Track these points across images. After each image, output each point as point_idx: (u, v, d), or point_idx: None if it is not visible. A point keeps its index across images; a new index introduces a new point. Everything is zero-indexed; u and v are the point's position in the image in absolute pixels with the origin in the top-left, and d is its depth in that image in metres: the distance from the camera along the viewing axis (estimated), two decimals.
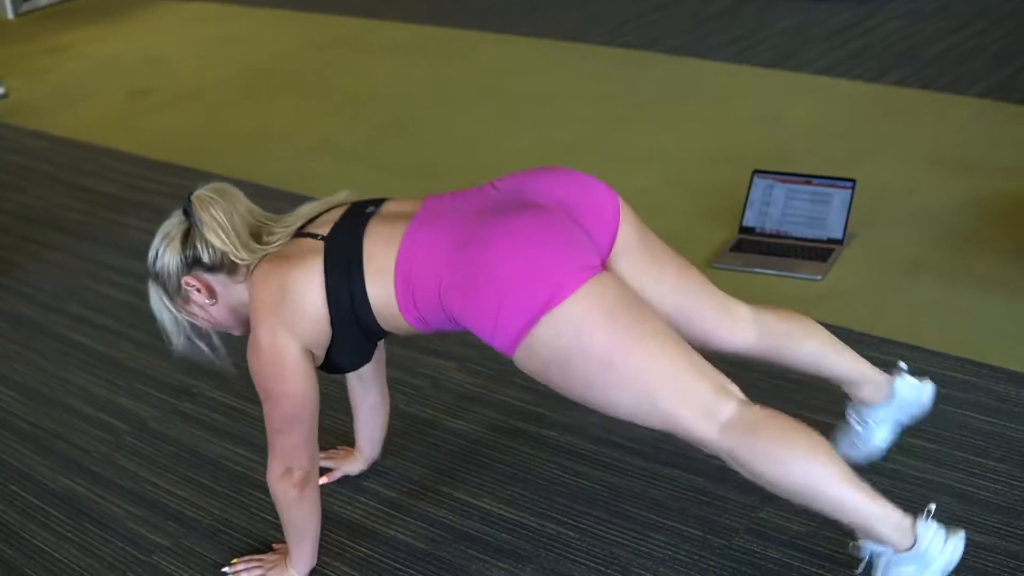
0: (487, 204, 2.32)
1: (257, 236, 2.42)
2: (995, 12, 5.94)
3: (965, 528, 2.45)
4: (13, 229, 4.69)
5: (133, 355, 3.61)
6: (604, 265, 2.34)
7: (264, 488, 2.87)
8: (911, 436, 2.81)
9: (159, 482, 2.99)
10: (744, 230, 3.90)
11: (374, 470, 2.92)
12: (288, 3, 7.94)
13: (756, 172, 3.97)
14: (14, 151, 5.64)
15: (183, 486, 2.97)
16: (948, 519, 2.52)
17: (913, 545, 2.16)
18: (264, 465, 2.92)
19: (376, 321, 2.35)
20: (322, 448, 2.86)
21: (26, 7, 8.45)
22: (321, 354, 2.41)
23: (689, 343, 2.35)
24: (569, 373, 2.19)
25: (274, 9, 7.86)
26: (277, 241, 2.42)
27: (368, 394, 2.81)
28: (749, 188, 3.94)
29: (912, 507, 2.56)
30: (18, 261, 4.37)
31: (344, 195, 2.52)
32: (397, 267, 2.28)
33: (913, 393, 2.60)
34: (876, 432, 2.64)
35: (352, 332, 2.38)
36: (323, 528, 2.61)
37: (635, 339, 2.17)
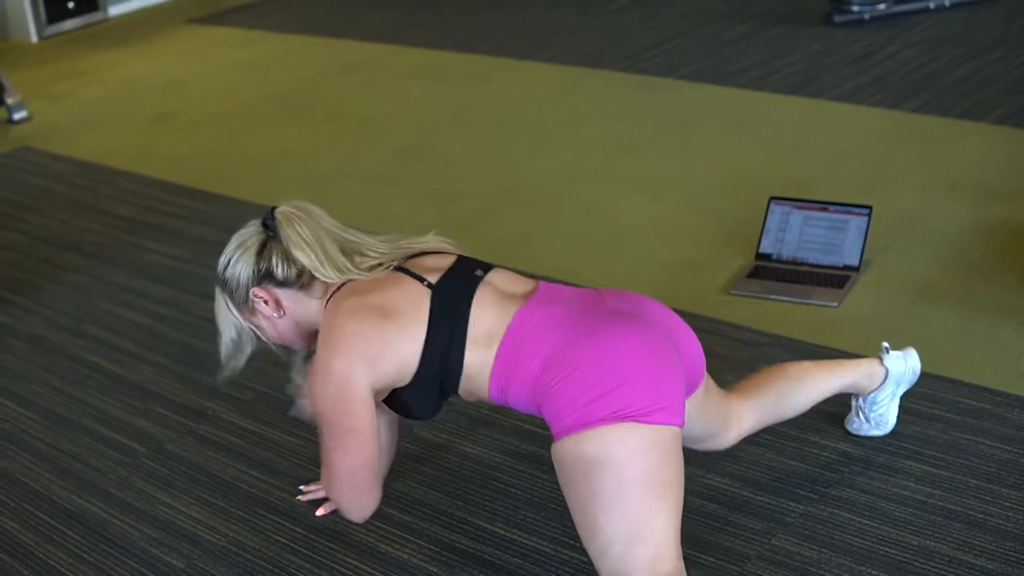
0: (603, 304, 2.38)
1: (348, 254, 2.44)
2: (1015, 39, 5.95)
3: (976, 555, 2.46)
4: (32, 251, 4.72)
5: (150, 377, 3.62)
6: None
7: (279, 510, 2.90)
8: (924, 463, 2.82)
9: (175, 504, 3.01)
10: (761, 256, 3.91)
11: (387, 493, 2.91)
12: (308, 29, 7.99)
13: (773, 199, 3.97)
14: (35, 174, 5.68)
15: (198, 508, 2.98)
16: (960, 546, 2.53)
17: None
18: (278, 486, 2.97)
19: (458, 383, 2.38)
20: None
21: (50, 31, 8.52)
22: (383, 395, 2.42)
23: (704, 447, 2.70)
24: (588, 477, 2.23)
25: (294, 35, 7.90)
26: (372, 266, 2.43)
27: (381, 432, 2.78)
28: (766, 215, 3.94)
29: (925, 534, 2.57)
30: (37, 283, 4.40)
31: (433, 237, 2.54)
32: (505, 339, 2.32)
33: (903, 365, 2.88)
34: (888, 414, 2.92)
35: (432, 386, 2.39)
36: (335, 549, 2.63)
37: (659, 497, 2.23)
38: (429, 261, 2.45)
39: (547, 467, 2.95)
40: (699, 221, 4.29)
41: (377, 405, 2.41)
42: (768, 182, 4.42)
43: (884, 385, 2.87)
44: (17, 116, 6.56)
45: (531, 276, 2.54)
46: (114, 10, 8.98)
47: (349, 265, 2.41)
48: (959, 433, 2.92)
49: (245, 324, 2.53)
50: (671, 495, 2.25)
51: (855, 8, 6.50)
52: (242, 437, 3.26)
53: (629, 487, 2.20)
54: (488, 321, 2.33)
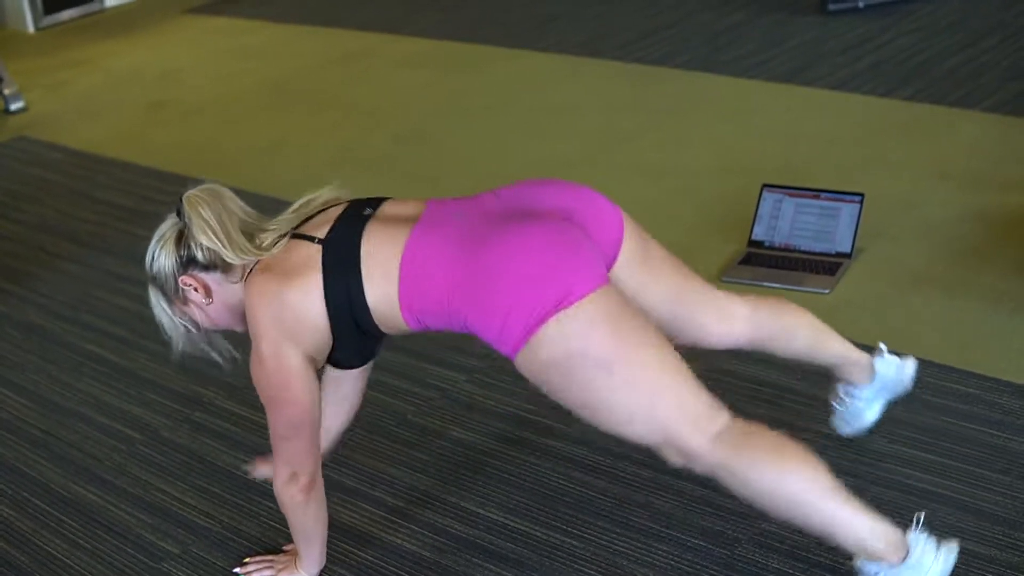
0: (493, 210, 2.38)
1: (250, 236, 2.45)
2: (1009, 27, 5.95)
3: (965, 539, 2.48)
4: (28, 240, 4.74)
5: (145, 365, 3.65)
6: (608, 272, 2.38)
7: (273, 497, 2.90)
8: (914, 448, 2.83)
9: (170, 490, 3.03)
10: (753, 244, 3.92)
11: (381, 479, 2.95)
12: (306, 18, 7.99)
13: (765, 186, 3.99)
14: (32, 163, 5.70)
15: (193, 494, 3.01)
16: (949, 530, 2.55)
17: (906, 556, 2.20)
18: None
19: (374, 322, 2.39)
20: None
21: (47, 21, 8.53)
22: (323, 359, 2.46)
23: (687, 338, 2.53)
24: (569, 376, 2.23)
25: (292, 24, 7.91)
26: (270, 241, 2.44)
27: (341, 383, 2.77)
28: (758, 202, 3.96)
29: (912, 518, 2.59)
30: (32, 271, 4.42)
31: (328, 191, 2.55)
32: (402, 269, 2.32)
33: (893, 371, 2.80)
34: (865, 410, 2.85)
35: (352, 335, 2.41)
36: (329, 535, 2.65)
37: (637, 347, 2.23)
38: (320, 218, 2.46)
39: (540, 453, 2.99)
40: (692, 208, 4.31)
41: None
42: (761, 169, 4.44)
43: (870, 384, 2.81)
44: (14, 106, 6.58)
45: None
46: (111, 0, 8.98)
47: (249, 246, 2.42)
48: (948, 418, 2.94)
49: (179, 320, 2.54)
50: (647, 337, 2.25)
51: None
52: (237, 424, 3.29)
53: (607, 364, 2.20)
54: (380, 256, 2.33)
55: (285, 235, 2.45)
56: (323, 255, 2.37)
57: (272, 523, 2.85)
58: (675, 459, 2.26)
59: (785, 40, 6.17)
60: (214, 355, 2.62)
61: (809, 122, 5.03)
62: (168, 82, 6.86)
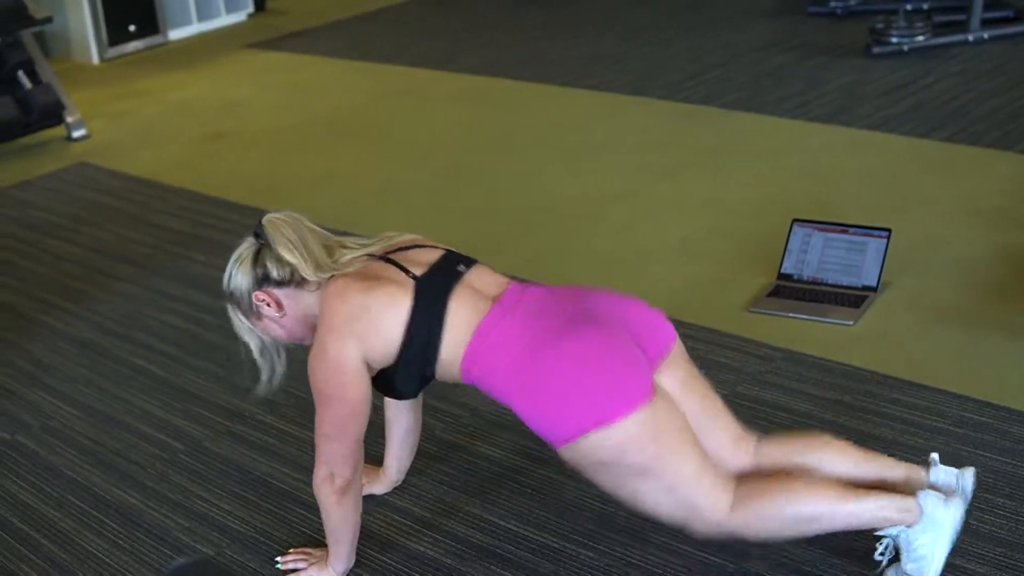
0: (561, 312, 2.54)
1: (330, 250, 2.64)
2: None
3: (966, 560, 2.56)
4: (85, 261, 4.92)
5: (192, 380, 3.79)
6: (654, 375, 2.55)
7: (306, 504, 3.04)
8: None
9: (208, 496, 3.16)
10: (782, 277, 4.02)
11: (408, 490, 3.07)
12: (359, 55, 8.18)
13: (795, 221, 4.09)
14: (92, 189, 5.89)
15: (230, 501, 3.14)
16: (953, 553, 2.62)
17: (920, 516, 2.43)
18: (307, 483, 3.10)
19: (436, 367, 2.57)
20: None
21: (112, 53, 8.77)
22: (375, 371, 2.60)
23: None
24: (606, 474, 2.50)
25: (346, 59, 8.10)
26: (350, 258, 2.63)
27: (402, 417, 2.98)
28: (788, 236, 4.06)
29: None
30: (88, 291, 4.59)
31: (410, 238, 2.73)
32: (472, 341, 2.52)
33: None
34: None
35: (413, 367, 2.58)
36: (357, 543, 2.77)
37: (670, 454, 2.45)
38: (413, 255, 2.64)
39: (561, 469, 3.08)
40: (726, 243, 4.41)
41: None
42: (795, 206, 4.53)
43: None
44: (76, 134, 6.80)
45: (508, 276, 2.69)
46: (174, 34, 9.23)
47: (329, 261, 2.61)
48: (960, 445, 3.02)
49: (257, 331, 2.73)
50: (678, 443, 2.45)
51: (894, 40, 6.59)
52: (276, 437, 3.42)
53: (641, 471, 2.43)
54: (462, 316, 2.53)
55: (369, 255, 2.64)
56: (416, 290, 2.54)
57: (303, 529, 2.97)
58: (699, 529, 2.50)
59: (828, 82, 6.27)
60: (279, 369, 2.81)
61: (846, 161, 5.12)
62: (225, 114, 7.06)
